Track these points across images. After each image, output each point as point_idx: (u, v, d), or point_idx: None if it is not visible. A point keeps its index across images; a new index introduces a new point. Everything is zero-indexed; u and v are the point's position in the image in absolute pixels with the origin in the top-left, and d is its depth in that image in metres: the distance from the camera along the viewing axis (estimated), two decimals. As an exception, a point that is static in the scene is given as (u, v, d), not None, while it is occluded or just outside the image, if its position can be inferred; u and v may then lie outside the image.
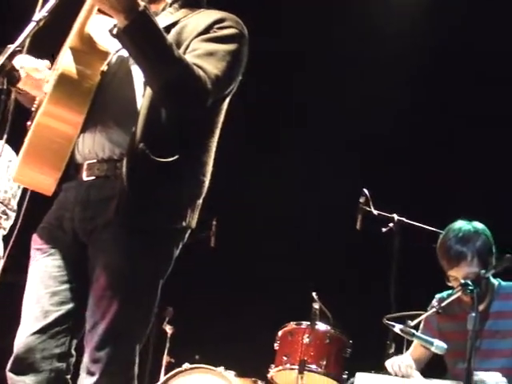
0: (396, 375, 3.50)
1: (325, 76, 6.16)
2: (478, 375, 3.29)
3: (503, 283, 3.66)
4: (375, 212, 4.66)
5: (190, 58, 2.50)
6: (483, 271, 3.40)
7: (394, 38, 6.13)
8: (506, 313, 3.58)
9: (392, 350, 4.13)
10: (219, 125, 2.70)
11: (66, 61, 2.57)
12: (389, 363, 3.56)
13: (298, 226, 6.28)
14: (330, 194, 6.15)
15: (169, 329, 5.46)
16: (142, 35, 2.38)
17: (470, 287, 3.22)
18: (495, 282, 3.63)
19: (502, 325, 3.56)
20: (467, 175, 5.99)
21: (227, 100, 2.71)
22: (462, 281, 3.32)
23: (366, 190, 4.72)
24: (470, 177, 5.97)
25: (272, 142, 6.35)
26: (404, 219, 4.58)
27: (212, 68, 2.50)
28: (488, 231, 3.62)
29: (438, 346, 3.47)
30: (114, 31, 2.38)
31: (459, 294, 3.38)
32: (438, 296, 3.76)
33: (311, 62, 6.31)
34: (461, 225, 3.62)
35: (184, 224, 2.59)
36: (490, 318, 3.54)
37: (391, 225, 4.59)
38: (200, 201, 2.65)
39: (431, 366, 3.74)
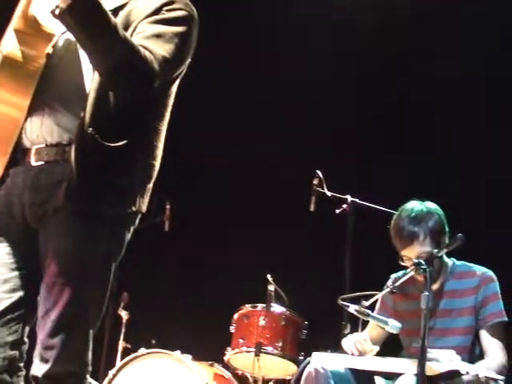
0: (352, 354, 3.52)
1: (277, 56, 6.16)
2: (433, 353, 3.32)
3: (457, 262, 3.69)
4: (329, 193, 4.67)
5: (137, 39, 2.46)
6: (436, 250, 3.42)
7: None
8: (460, 291, 3.61)
9: (347, 331, 4.16)
10: (169, 108, 2.67)
11: (9, 43, 2.53)
12: (345, 342, 3.58)
13: (252, 209, 6.27)
14: (283, 175, 6.16)
15: (124, 314, 5.43)
16: (84, 15, 2.32)
17: (423, 266, 3.24)
18: (449, 261, 3.66)
19: (457, 303, 3.59)
20: (419, 155, 6.03)
21: (176, 83, 2.68)
22: (415, 260, 3.34)
23: (319, 172, 4.73)
24: (422, 157, 6.02)
25: (226, 128, 6.32)
26: (357, 200, 4.60)
27: (159, 50, 2.47)
28: (441, 211, 3.64)
29: (393, 325, 3.49)
30: (56, 11, 2.31)
31: (413, 273, 3.41)
32: (393, 276, 3.78)
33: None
34: (413, 205, 3.63)
35: (134, 208, 2.56)
36: (444, 296, 3.57)
37: (345, 206, 4.60)
38: (150, 185, 2.63)
39: (387, 345, 3.76)
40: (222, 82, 6.11)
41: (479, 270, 3.64)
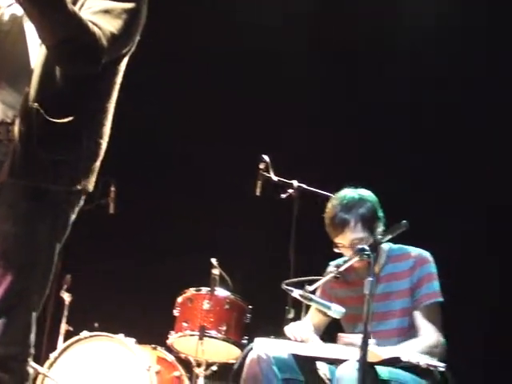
0: (295, 340, 3.54)
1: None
2: (349, 337, 3.37)
3: (394, 246, 3.73)
4: (275, 178, 4.67)
5: (85, 15, 2.41)
6: (380, 236, 3.45)
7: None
8: (398, 274, 3.66)
9: (291, 315, 4.17)
10: (117, 86, 2.63)
11: None
12: (287, 328, 3.60)
13: (198, 193, 6.26)
14: (228, 160, 6.15)
15: (67, 296, 5.37)
16: None
17: (367, 252, 3.27)
18: (386, 245, 3.69)
19: (394, 286, 3.64)
20: (366, 140, 6.08)
21: (125, 60, 2.64)
22: (360, 246, 3.37)
23: (265, 157, 4.73)
24: (369, 142, 6.07)
25: (171, 111, 6.28)
26: (303, 185, 4.61)
27: (107, 25, 2.43)
28: (374, 197, 3.68)
29: (336, 310, 3.52)
30: None
31: (357, 259, 3.44)
32: (332, 263, 3.81)
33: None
34: (346, 192, 3.67)
35: (80, 187, 2.52)
36: (382, 281, 3.61)
37: (291, 191, 4.61)
38: (97, 163, 2.59)
39: (329, 331, 3.79)
40: (164, 64, 6.05)
41: (414, 251, 3.69)
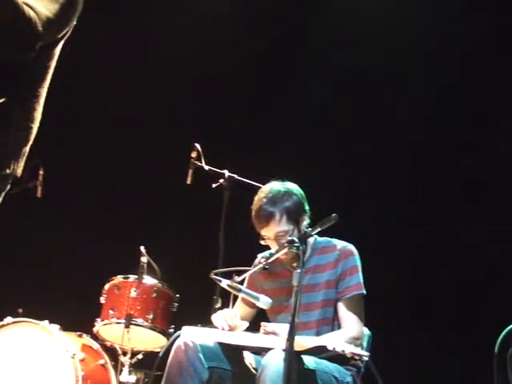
0: (222, 329, 3.55)
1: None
2: (269, 327, 3.41)
3: (319, 239, 3.78)
4: (206, 167, 4.67)
5: None
6: (310, 229, 3.49)
7: None
8: (322, 266, 3.70)
9: (219, 305, 4.18)
10: (51, 70, 2.59)
11: None
12: (215, 317, 3.61)
13: (128, 180, 6.21)
14: (159, 145, 6.12)
15: (-10, 282, 5.28)
16: None
17: (297, 244, 3.30)
18: (311, 237, 3.73)
19: (319, 278, 3.68)
20: (297, 133, 6.12)
21: (60, 45, 2.60)
22: (289, 238, 3.40)
23: (197, 145, 4.71)
24: (298, 135, 6.11)
25: (101, 96, 6.21)
26: (235, 175, 4.61)
27: (43, 9, 2.38)
28: (300, 191, 3.72)
29: (264, 301, 3.56)
30: None
31: (286, 250, 3.47)
32: (260, 255, 3.84)
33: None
34: (272, 185, 3.70)
35: (8, 171, 2.48)
36: (308, 272, 3.64)
37: (222, 181, 4.61)
38: (27, 148, 2.55)
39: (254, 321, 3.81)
40: (95, 49, 5.99)
41: (339, 244, 3.74)
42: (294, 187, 3.72)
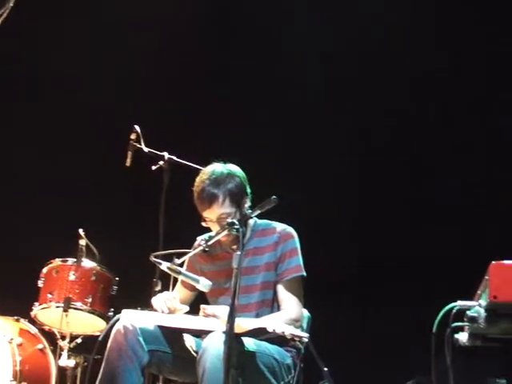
0: (162, 312, 3.53)
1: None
2: (209, 309, 3.42)
3: (259, 221, 3.78)
4: (146, 149, 4.62)
5: None
6: (249, 211, 3.49)
7: None
8: (262, 248, 3.71)
9: (159, 288, 4.16)
10: None
11: None
12: (155, 300, 3.58)
13: (66, 161, 6.13)
14: (97, 130, 6.06)
15: None
16: None
17: (236, 226, 3.30)
18: (251, 220, 3.73)
19: (259, 260, 3.69)
20: (238, 115, 6.11)
21: None
22: (229, 220, 3.39)
23: (136, 127, 4.66)
24: (240, 117, 6.10)
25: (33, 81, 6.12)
26: (174, 157, 4.58)
27: None
28: (242, 173, 3.70)
29: (204, 283, 3.55)
30: None
31: (226, 232, 3.46)
32: (200, 237, 3.82)
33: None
34: (215, 167, 3.68)
35: None
36: (248, 255, 3.64)
37: (161, 163, 4.58)
38: None
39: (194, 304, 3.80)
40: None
41: (279, 226, 3.74)
42: (236, 169, 3.70)
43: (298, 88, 6.07)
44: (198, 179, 3.67)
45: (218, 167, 3.68)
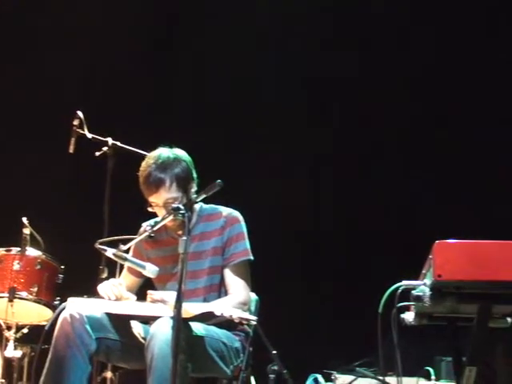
0: (109, 299, 3.51)
1: None
2: (155, 295, 3.41)
3: (205, 206, 3.77)
4: (89, 135, 4.57)
5: None
6: (195, 196, 3.47)
7: None
8: (208, 233, 3.70)
9: (105, 275, 4.13)
10: None
11: None
12: (101, 287, 3.56)
13: (10, 148, 6.04)
14: (40, 116, 5.98)
15: None
16: None
17: (182, 211, 3.28)
18: (197, 205, 3.72)
19: (205, 245, 3.68)
20: (182, 100, 6.09)
21: None
22: (175, 205, 3.37)
23: (79, 112, 4.61)
24: (185, 103, 6.08)
25: None
26: (118, 143, 4.54)
27: None
28: (188, 158, 3.68)
29: (151, 269, 3.53)
30: None
31: (171, 218, 3.44)
32: (145, 223, 3.79)
33: None
34: (161, 152, 3.65)
35: None
36: (194, 240, 3.63)
37: (105, 149, 4.53)
38: None
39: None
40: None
41: (225, 211, 3.74)
42: (182, 154, 3.68)
43: (245, 76, 6.05)
44: (143, 164, 3.63)
45: (164, 152, 3.64)
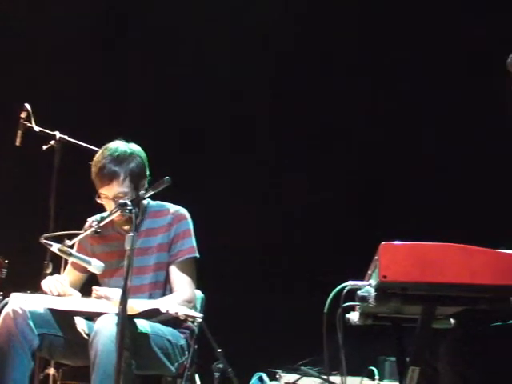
0: (52, 294, 3.47)
1: None
2: (100, 291, 3.39)
3: (152, 202, 3.76)
4: (36, 128, 4.51)
5: None
6: (143, 192, 3.46)
7: None
8: (155, 229, 3.69)
9: (49, 270, 4.10)
10: None
11: None
12: (44, 283, 3.52)
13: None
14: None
15: None
16: None
17: (129, 207, 3.26)
18: (145, 201, 3.71)
19: (152, 241, 3.68)
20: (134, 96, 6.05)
21: None
22: (122, 201, 3.35)
23: (27, 105, 4.54)
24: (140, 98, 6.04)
25: None
26: (66, 137, 4.49)
27: None
28: (144, 154, 3.68)
29: (96, 265, 3.51)
30: None
31: (118, 213, 3.42)
32: (91, 219, 3.77)
33: None
34: (117, 145, 3.64)
35: None
36: (141, 236, 3.61)
37: (53, 142, 4.48)
38: None
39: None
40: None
41: (172, 208, 3.74)
42: (138, 149, 3.68)
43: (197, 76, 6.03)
44: (99, 154, 3.62)
45: (121, 145, 3.64)
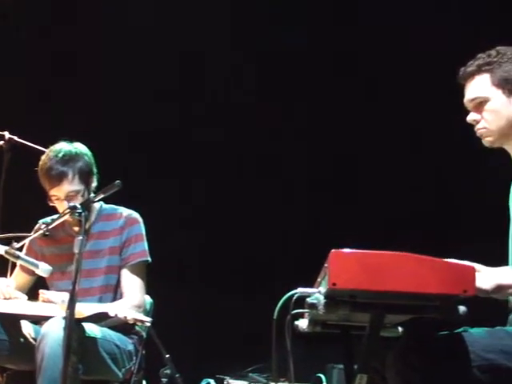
0: (-1, 297, 3.43)
1: None
2: (46, 294, 3.37)
3: (105, 205, 3.77)
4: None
5: None
6: (93, 195, 3.45)
7: None
8: (106, 232, 3.71)
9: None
10: None
11: None
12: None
13: None
14: None
15: None
16: None
17: (79, 210, 3.25)
18: (97, 204, 3.73)
19: (103, 244, 3.69)
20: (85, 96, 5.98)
21: None
22: (71, 204, 3.35)
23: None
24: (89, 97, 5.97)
25: None
26: (15, 137, 4.44)
27: None
28: (89, 152, 3.71)
29: (44, 268, 3.49)
30: None
31: (68, 216, 3.41)
32: (41, 221, 3.75)
33: None
34: (62, 146, 3.67)
35: None
36: (92, 238, 3.62)
37: (1, 142, 4.42)
38: None
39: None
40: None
41: (125, 211, 3.76)
42: (83, 148, 3.71)
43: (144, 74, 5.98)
44: (44, 157, 3.65)
45: (65, 146, 3.67)
